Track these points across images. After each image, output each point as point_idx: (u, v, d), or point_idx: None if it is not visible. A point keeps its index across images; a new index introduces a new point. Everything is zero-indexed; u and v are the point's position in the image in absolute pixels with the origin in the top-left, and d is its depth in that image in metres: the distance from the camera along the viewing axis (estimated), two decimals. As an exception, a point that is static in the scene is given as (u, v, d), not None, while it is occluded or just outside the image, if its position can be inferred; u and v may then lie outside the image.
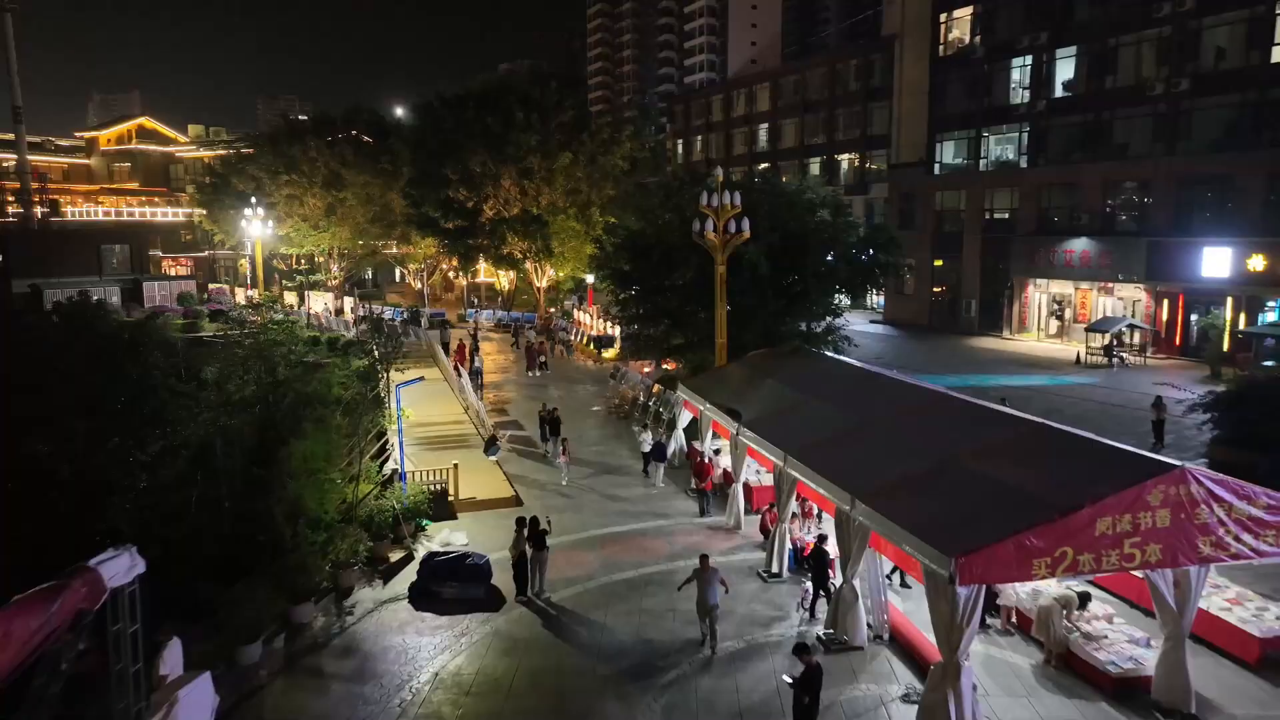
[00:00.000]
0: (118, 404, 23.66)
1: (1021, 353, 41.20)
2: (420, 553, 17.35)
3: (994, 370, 37.02)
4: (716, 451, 21.09)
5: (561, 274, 53.25)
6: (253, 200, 52.28)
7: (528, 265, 50.78)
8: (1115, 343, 36.24)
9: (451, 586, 14.87)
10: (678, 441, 23.64)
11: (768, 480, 19.14)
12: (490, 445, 23.10)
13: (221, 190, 62.30)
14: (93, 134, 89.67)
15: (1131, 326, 36.98)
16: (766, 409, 18.81)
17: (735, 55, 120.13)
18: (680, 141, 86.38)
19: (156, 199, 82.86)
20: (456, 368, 38.24)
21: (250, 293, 57.36)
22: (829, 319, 25.70)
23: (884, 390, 17.69)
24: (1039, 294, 44.28)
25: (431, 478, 19.64)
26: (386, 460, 21.10)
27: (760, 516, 17.90)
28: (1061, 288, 43.09)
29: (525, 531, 15.08)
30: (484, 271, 60.31)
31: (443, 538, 17.87)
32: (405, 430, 27.33)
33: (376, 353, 40.24)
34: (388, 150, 53.35)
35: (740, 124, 76.85)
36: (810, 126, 68.61)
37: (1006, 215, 46.37)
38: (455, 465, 19.72)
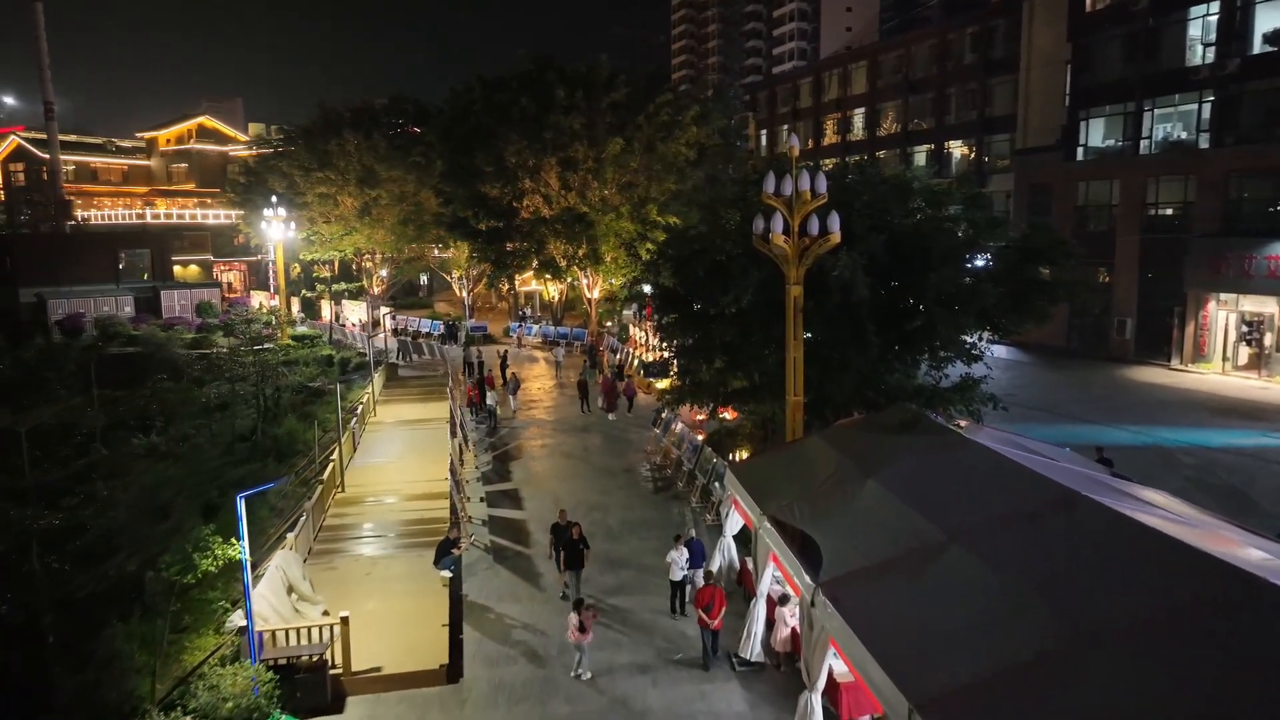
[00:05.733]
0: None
1: (1205, 391, 31.17)
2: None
3: (1173, 418, 27.40)
4: (783, 599, 12.84)
5: (617, 282, 45.51)
6: (273, 200, 46.47)
7: (576, 272, 43.18)
8: (1356, 385, 26.11)
9: None
10: (726, 554, 15.53)
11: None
12: (443, 554, 15.48)
13: (253, 190, 57.16)
14: (153, 134, 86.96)
15: (1380, 363, 26.72)
16: (866, 551, 10.56)
17: (828, 44, 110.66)
18: (764, 132, 77.52)
19: (210, 200, 79.19)
20: (472, 403, 30.92)
21: (273, 301, 51.71)
22: (965, 367, 16.99)
23: (1109, 532, 9.13)
24: (1224, 312, 34.00)
25: (303, 640, 12.03)
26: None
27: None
28: (1259, 305, 32.76)
29: None
30: (534, 279, 53.13)
31: (287, 774, 10.28)
32: (359, 509, 20.05)
33: (375, 380, 33.48)
34: (420, 141, 46.66)
35: (832, 109, 67.56)
36: (915, 109, 58.90)
37: (1176, 210, 36.24)
38: (345, 619, 12.07)
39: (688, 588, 14.52)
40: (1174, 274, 35.15)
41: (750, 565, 14.41)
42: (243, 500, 11.00)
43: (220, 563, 10.62)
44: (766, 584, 12.89)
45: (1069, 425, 26.43)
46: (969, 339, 16.87)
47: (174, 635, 13.25)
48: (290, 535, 15.07)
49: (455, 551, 15.60)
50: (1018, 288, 16.50)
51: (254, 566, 15.04)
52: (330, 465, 20.44)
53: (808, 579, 10.42)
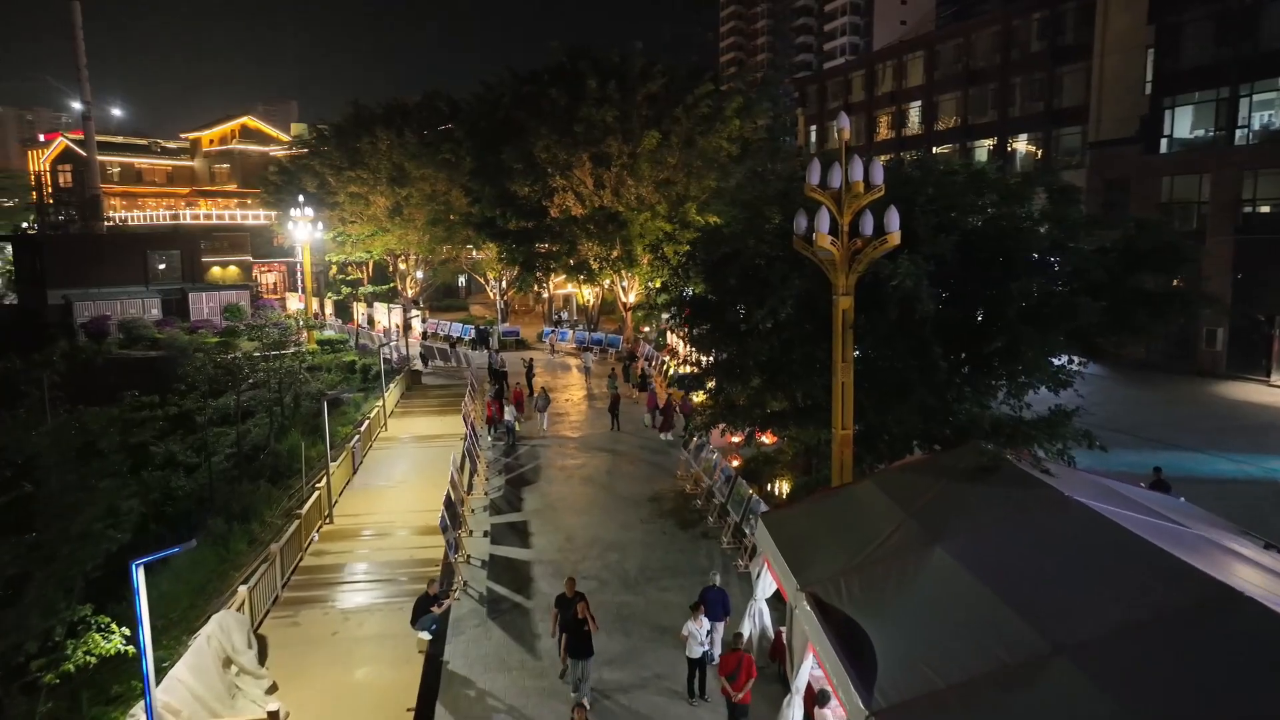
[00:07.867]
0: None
1: (1314, 413, 27.51)
2: None
3: (1282, 444, 23.95)
4: (822, 697, 10.16)
5: (656, 283, 42.93)
6: (300, 199, 44.96)
7: (610, 275, 40.71)
8: None
9: None
10: (757, 620, 12.87)
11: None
12: (420, 612, 13.12)
13: (286, 190, 55.97)
14: (196, 135, 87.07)
15: None
16: (937, 661, 7.87)
17: (881, 39, 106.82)
18: (814, 128, 74.21)
19: (250, 200, 78.66)
20: (490, 420, 28.57)
21: (299, 305, 50.28)
22: (1053, 395, 14.01)
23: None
24: (1334, 323, 30.23)
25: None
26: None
27: None
28: (1376, 315, 28.98)
29: None
30: (568, 282, 50.86)
31: None
32: (346, 546, 17.74)
33: (388, 392, 31.37)
34: (449, 138, 44.67)
35: (886, 103, 64.06)
36: (976, 102, 55.20)
37: (1276, 207, 32.46)
38: (274, 714, 9.72)
39: (709, 666, 11.93)
40: (1274, 278, 31.43)
41: (785, 637, 11.78)
42: (139, 569, 8.71)
43: (98, 656, 8.29)
44: (804, 677, 10.23)
45: (1159, 452, 23.07)
46: (1057, 361, 13.91)
47: (100, 709, 11.10)
48: (243, 589, 12.83)
49: (435, 610, 13.23)
50: (1121, 300, 13.49)
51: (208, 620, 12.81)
52: (316, 493, 18.21)
53: (859, 701, 7.75)
